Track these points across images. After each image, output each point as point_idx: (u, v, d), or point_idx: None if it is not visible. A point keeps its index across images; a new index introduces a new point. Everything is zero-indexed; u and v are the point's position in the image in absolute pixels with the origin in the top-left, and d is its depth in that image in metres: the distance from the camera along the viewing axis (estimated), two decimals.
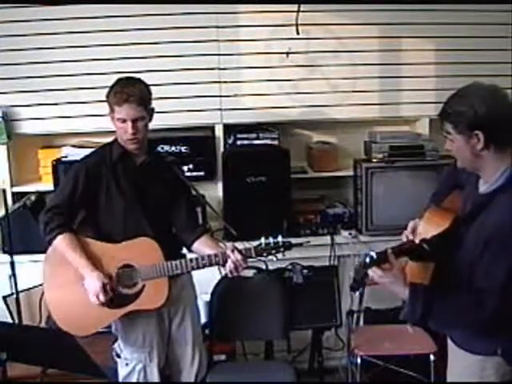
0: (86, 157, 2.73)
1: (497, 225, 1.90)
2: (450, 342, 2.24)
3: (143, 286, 2.58)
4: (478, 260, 1.93)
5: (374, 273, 1.96)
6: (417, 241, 2.09)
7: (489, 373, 2.05)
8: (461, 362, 2.16)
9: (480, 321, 1.94)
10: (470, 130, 1.92)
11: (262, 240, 2.55)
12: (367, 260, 1.93)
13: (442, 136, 2.08)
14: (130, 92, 2.54)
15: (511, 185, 1.96)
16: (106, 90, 2.64)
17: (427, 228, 2.11)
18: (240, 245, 2.75)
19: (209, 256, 2.57)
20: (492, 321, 1.93)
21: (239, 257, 2.50)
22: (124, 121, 2.56)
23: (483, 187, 2.05)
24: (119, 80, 2.63)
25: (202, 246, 2.67)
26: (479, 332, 2.03)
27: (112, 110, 2.58)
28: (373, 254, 1.94)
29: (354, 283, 2.01)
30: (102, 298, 2.51)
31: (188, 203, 2.77)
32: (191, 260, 2.58)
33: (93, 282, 2.51)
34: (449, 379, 2.28)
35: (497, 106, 1.94)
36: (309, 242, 2.67)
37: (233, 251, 2.51)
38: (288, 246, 2.55)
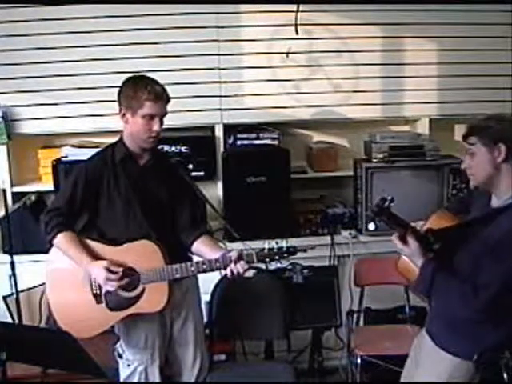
0: (88, 159, 2.71)
1: (505, 233, 2.05)
2: (427, 338, 2.32)
3: (143, 289, 2.57)
4: (482, 261, 2.06)
5: (397, 243, 2.16)
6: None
7: (458, 375, 2.19)
8: (433, 356, 2.26)
9: (473, 308, 2.07)
10: (494, 143, 2.11)
11: (266, 245, 2.51)
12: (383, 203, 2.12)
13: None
14: (161, 89, 2.57)
15: None
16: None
17: (434, 225, 2.24)
18: (240, 245, 2.75)
19: (209, 261, 2.55)
20: (479, 314, 2.07)
21: (240, 267, 2.47)
22: (152, 117, 2.55)
23: (496, 203, 2.18)
24: (138, 78, 2.61)
25: (202, 247, 2.66)
26: (466, 322, 2.15)
27: (140, 107, 2.52)
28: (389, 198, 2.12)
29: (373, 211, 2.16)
30: (113, 277, 2.50)
31: (192, 204, 2.74)
32: (191, 264, 2.57)
33: (98, 271, 2.51)
34: (413, 369, 2.38)
35: None
36: (313, 247, 2.65)
37: (235, 262, 2.47)
38: (292, 252, 2.52)
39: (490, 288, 2.03)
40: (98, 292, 2.60)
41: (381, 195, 2.15)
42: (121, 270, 2.54)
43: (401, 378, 2.50)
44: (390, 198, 2.11)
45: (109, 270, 2.51)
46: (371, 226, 2.15)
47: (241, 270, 2.47)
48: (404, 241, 2.15)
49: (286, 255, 2.51)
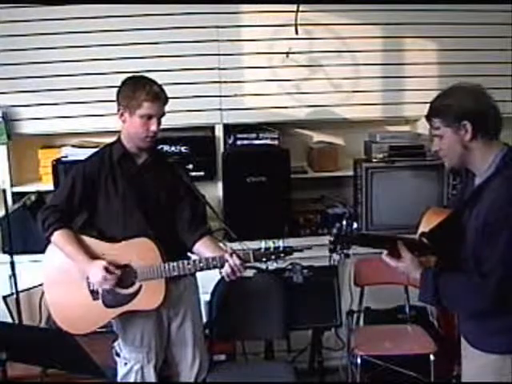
0: (86, 158, 2.72)
1: (489, 207, 1.96)
2: (464, 342, 2.21)
3: (140, 287, 2.58)
4: (479, 248, 1.97)
5: (389, 261, 2.09)
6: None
7: (506, 371, 2.04)
8: (476, 362, 2.14)
9: (486, 297, 1.96)
10: (458, 122, 2.00)
11: (262, 244, 2.51)
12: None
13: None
14: (160, 90, 2.59)
15: (499, 171, 2.01)
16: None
17: (426, 225, 2.17)
18: (239, 245, 2.75)
19: (206, 259, 2.56)
20: (496, 301, 1.96)
21: (237, 262, 2.49)
22: (150, 117, 2.56)
23: (478, 180, 2.09)
24: (137, 78, 2.62)
25: (203, 248, 2.66)
26: (487, 313, 2.03)
27: (138, 106, 2.54)
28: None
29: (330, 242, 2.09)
30: (110, 278, 2.51)
31: (191, 204, 2.74)
32: (188, 262, 2.58)
33: (95, 270, 2.51)
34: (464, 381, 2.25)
35: (481, 98, 2.04)
36: (310, 247, 2.65)
37: (231, 255, 2.49)
38: (288, 252, 2.52)
39: (495, 272, 1.91)
40: (95, 289, 2.61)
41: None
42: (119, 271, 2.54)
43: None
44: (344, 223, 2.02)
45: (107, 270, 2.51)
46: (336, 257, 2.07)
47: (237, 261, 2.47)
48: (397, 256, 2.04)
49: (282, 255, 2.52)
